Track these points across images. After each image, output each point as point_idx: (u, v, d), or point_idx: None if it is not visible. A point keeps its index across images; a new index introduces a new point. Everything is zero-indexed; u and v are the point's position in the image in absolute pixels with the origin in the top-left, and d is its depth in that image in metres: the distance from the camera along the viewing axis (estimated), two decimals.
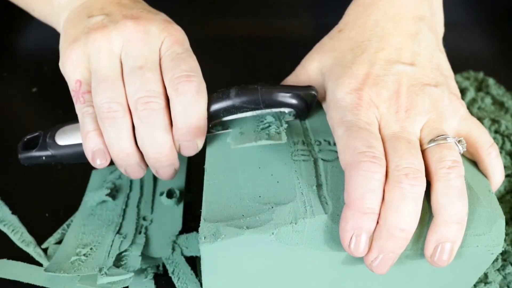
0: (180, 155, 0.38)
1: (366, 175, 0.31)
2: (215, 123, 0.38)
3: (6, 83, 0.56)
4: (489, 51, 0.63)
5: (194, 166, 0.48)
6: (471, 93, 0.53)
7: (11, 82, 0.56)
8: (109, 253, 0.40)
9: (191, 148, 0.37)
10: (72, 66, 0.36)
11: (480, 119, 0.49)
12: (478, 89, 0.55)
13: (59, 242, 0.42)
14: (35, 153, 0.38)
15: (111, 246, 0.41)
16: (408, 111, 0.34)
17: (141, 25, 0.36)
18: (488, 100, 0.53)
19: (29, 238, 0.43)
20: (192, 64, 0.36)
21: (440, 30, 0.41)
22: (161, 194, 0.45)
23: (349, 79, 0.36)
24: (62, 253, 0.40)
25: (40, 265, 0.41)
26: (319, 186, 0.34)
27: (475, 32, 0.65)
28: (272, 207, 0.33)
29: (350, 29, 0.39)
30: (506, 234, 0.42)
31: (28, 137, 0.39)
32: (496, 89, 0.54)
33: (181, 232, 0.43)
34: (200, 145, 0.37)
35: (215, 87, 0.53)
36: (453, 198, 0.31)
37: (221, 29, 0.63)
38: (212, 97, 0.37)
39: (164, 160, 0.37)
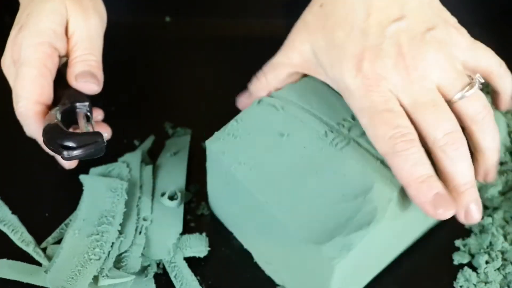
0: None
1: (403, 155, 0.33)
2: None
3: (6, 83, 0.56)
4: None
5: (194, 166, 0.48)
6: None
7: None
8: (108, 254, 0.40)
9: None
10: None
11: None
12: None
13: (58, 242, 0.42)
14: None
15: (111, 246, 0.41)
16: (418, 69, 0.35)
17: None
18: (488, 99, 0.52)
19: (29, 238, 0.42)
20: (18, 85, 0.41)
21: None
22: (162, 195, 0.44)
23: (348, 61, 0.36)
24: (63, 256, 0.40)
25: (40, 265, 0.41)
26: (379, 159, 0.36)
27: (475, 32, 0.64)
28: (363, 198, 0.34)
29: (331, 2, 0.38)
30: (507, 234, 0.42)
31: None
32: None
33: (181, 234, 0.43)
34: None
35: (215, 87, 0.53)
36: (495, 135, 0.37)
37: (221, 29, 0.62)
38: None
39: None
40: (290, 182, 0.36)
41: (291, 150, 0.37)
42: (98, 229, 0.41)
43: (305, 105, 0.39)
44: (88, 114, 0.41)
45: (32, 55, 0.40)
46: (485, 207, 0.45)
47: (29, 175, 0.47)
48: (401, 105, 0.35)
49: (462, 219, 0.35)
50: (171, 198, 0.44)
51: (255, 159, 0.37)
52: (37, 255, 0.41)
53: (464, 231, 0.43)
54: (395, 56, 0.35)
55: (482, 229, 0.43)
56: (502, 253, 0.41)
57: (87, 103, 0.41)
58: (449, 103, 0.35)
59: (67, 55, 0.43)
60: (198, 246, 0.42)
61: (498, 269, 0.41)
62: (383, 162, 0.35)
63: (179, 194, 0.44)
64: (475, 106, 0.36)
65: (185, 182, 0.46)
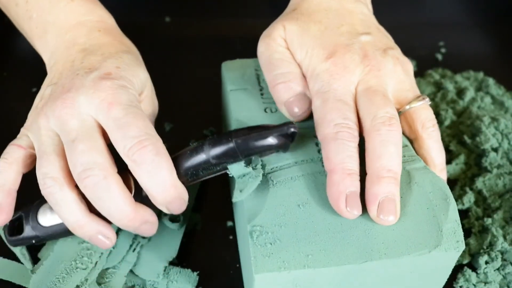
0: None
1: (344, 143, 0.34)
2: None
3: (6, 83, 0.56)
4: (489, 51, 0.63)
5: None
6: (471, 93, 0.53)
7: (11, 82, 0.56)
8: (95, 264, 0.39)
9: (177, 208, 0.36)
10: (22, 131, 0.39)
11: (480, 116, 0.49)
12: (478, 89, 0.55)
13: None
14: (22, 238, 0.37)
15: (100, 257, 0.39)
16: (380, 70, 0.38)
17: (68, 101, 0.36)
18: (488, 100, 0.53)
19: None
20: (138, 124, 0.34)
21: (371, 8, 0.44)
22: (165, 215, 0.41)
23: (320, 49, 0.38)
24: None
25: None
26: None
27: (475, 32, 0.65)
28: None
29: (305, 7, 0.41)
30: (507, 234, 0.42)
31: (11, 220, 0.37)
32: (496, 89, 0.54)
33: (177, 261, 0.41)
34: (184, 202, 0.36)
35: (215, 87, 0.53)
36: (443, 152, 0.39)
37: (221, 29, 0.63)
38: (183, 155, 0.36)
39: (131, 224, 0.35)
40: (353, 229, 0.34)
41: (319, 206, 0.35)
42: None
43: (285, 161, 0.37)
44: None
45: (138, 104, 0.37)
46: (485, 207, 0.45)
47: (29, 175, 0.47)
48: (355, 93, 0.37)
49: (373, 214, 0.34)
50: (173, 219, 0.41)
51: (307, 241, 0.34)
52: (22, 257, 0.40)
53: (464, 231, 0.43)
54: (362, 55, 0.38)
55: (482, 229, 0.43)
56: (502, 253, 0.41)
57: None
58: (401, 111, 0.38)
59: None
60: (185, 284, 0.40)
61: (498, 269, 0.41)
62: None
63: (181, 217, 0.42)
64: (426, 113, 0.38)
65: (192, 204, 0.44)
